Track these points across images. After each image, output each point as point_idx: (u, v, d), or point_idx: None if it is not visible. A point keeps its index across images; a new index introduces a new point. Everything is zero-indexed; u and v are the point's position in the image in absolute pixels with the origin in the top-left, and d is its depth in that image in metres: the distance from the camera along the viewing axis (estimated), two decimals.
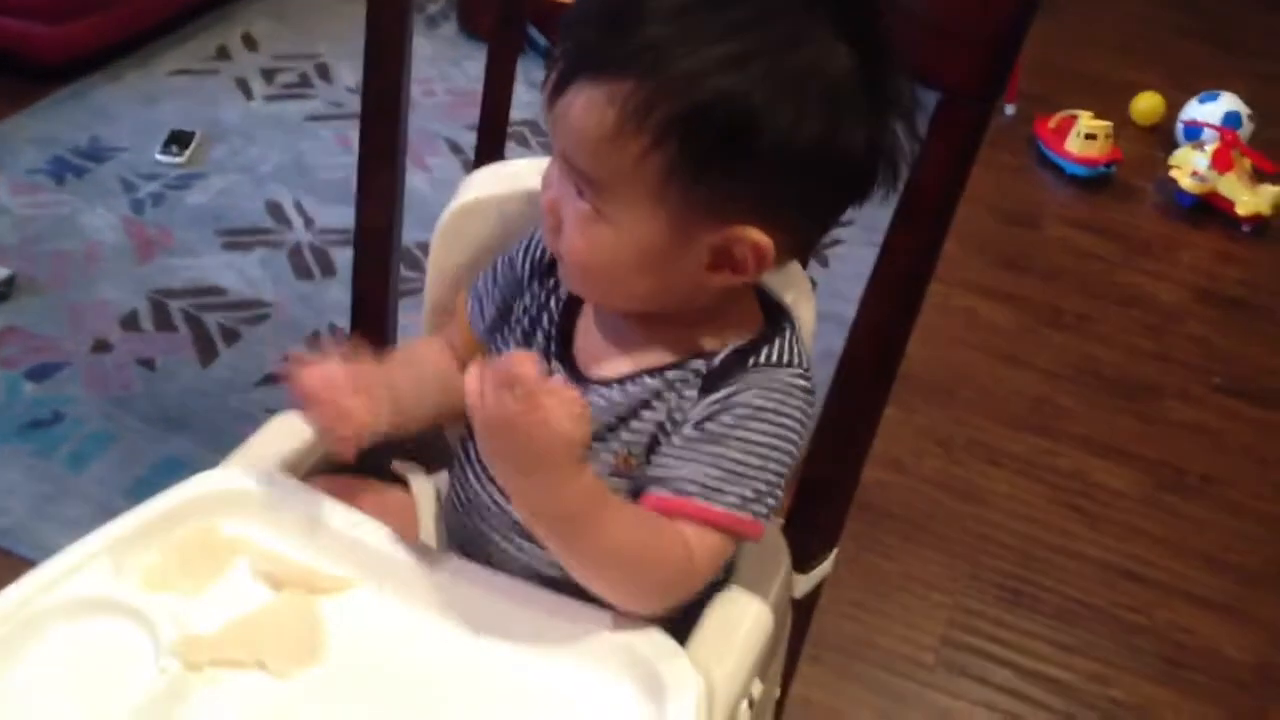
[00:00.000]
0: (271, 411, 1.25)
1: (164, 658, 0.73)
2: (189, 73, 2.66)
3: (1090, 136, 2.70)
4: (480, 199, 0.97)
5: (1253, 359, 2.30)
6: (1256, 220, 2.61)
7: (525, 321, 0.89)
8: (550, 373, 0.85)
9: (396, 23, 1.04)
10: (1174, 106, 2.93)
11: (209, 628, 0.76)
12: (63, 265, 2.05)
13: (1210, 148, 2.65)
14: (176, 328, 1.96)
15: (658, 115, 0.70)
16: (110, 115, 2.45)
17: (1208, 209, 2.65)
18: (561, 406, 0.69)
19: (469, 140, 2.51)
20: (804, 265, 0.93)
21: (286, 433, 0.92)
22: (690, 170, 0.72)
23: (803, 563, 0.99)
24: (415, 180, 2.22)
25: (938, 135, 0.87)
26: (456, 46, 2.90)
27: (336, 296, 2.04)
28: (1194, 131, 2.80)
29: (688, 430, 0.80)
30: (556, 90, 0.74)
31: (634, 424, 0.82)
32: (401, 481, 0.99)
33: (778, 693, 1.03)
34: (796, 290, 0.92)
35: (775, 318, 0.85)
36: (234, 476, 0.86)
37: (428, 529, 0.96)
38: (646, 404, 0.81)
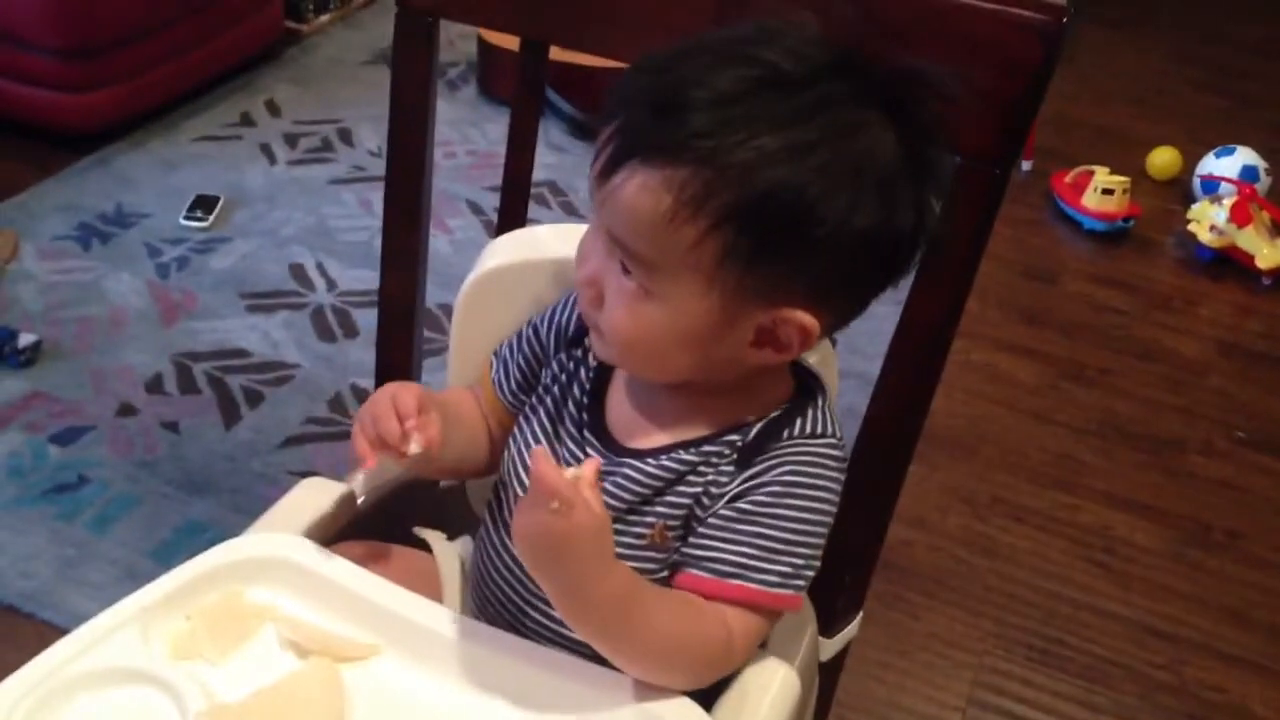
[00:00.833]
0: (294, 474, 1.26)
1: None
2: (213, 139, 2.70)
3: (1107, 191, 2.71)
4: (502, 266, 0.98)
5: (1276, 412, 2.28)
6: (1277, 273, 2.60)
7: (556, 390, 0.89)
8: (583, 443, 0.86)
9: (420, 90, 1.06)
10: (1190, 161, 2.93)
11: (235, 696, 0.76)
12: (88, 330, 2.07)
13: (1228, 202, 2.65)
14: (200, 390, 1.97)
15: (715, 203, 0.71)
16: (135, 182, 2.49)
17: (1227, 263, 2.65)
18: (588, 509, 0.70)
19: (489, 201, 2.55)
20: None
21: (312, 499, 0.93)
22: (745, 256, 0.73)
23: (829, 626, 0.99)
24: (437, 242, 2.23)
25: (958, 198, 0.88)
26: (477, 109, 2.94)
27: (359, 357, 2.06)
28: (1211, 186, 2.81)
29: (723, 509, 0.80)
30: (607, 170, 0.74)
31: (669, 497, 0.82)
32: (425, 547, 0.99)
33: None
34: (821, 352, 0.92)
35: (807, 385, 0.86)
36: (260, 543, 0.86)
37: (452, 595, 0.96)
38: (682, 478, 0.82)
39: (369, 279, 2.18)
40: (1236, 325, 2.54)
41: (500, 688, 0.79)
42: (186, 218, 2.37)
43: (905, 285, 0.91)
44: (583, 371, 0.88)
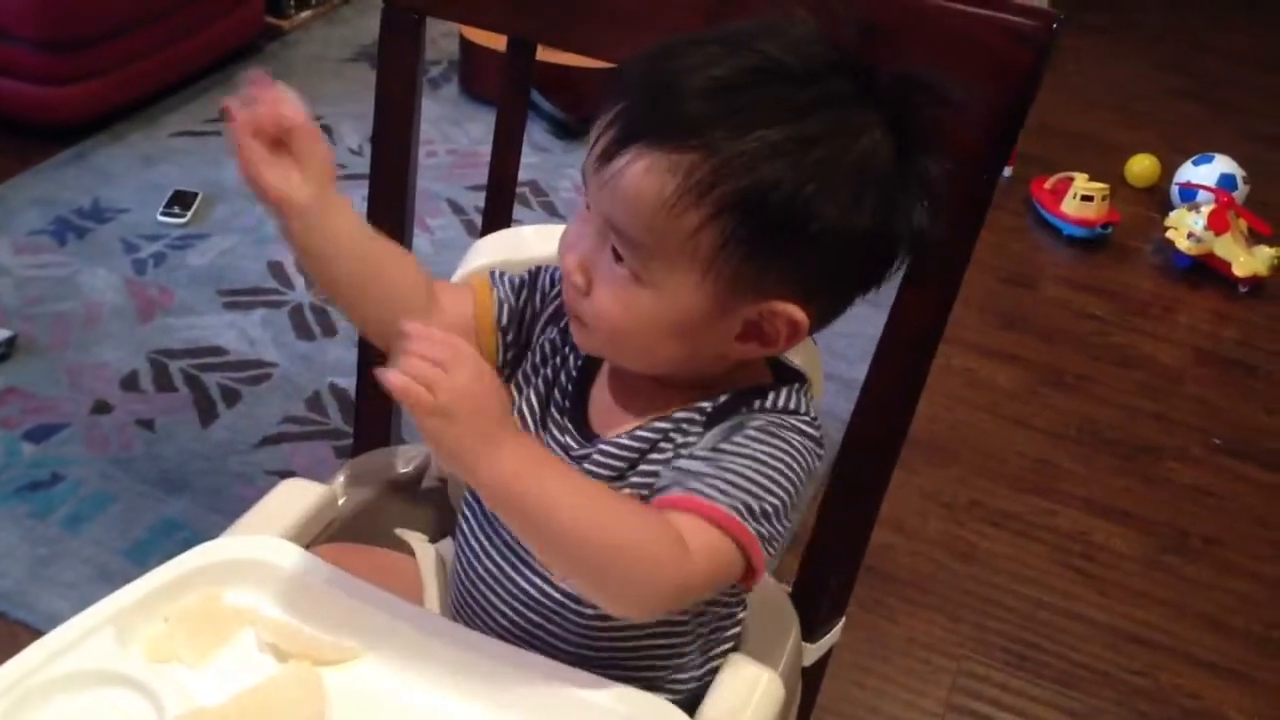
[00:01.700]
0: (271, 473, 1.25)
1: None
2: (191, 134, 2.67)
3: (1086, 198, 2.72)
4: (488, 266, 0.97)
5: (1252, 420, 2.29)
6: (1253, 281, 2.62)
7: (547, 372, 0.87)
8: (565, 430, 0.85)
9: (405, 87, 1.06)
10: (1169, 168, 2.95)
11: (214, 700, 0.75)
12: (63, 326, 2.05)
13: (1206, 209, 2.66)
14: (177, 388, 1.95)
15: (719, 191, 0.71)
16: (112, 176, 2.47)
17: (1204, 270, 2.66)
18: (467, 370, 0.68)
19: (470, 200, 2.54)
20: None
21: (291, 501, 0.92)
22: (742, 246, 0.73)
23: (811, 631, 0.98)
24: (418, 241, 2.20)
25: (945, 203, 0.88)
26: (458, 108, 2.92)
27: (338, 356, 2.04)
28: (1189, 193, 2.82)
29: (683, 460, 0.78)
30: (608, 154, 0.73)
31: (642, 467, 0.81)
32: (407, 549, 0.98)
33: None
34: (805, 355, 0.92)
35: (785, 377, 0.85)
36: (238, 545, 0.85)
37: (432, 596, 0.95)
38: (654, 446, 0.81)
39: None
40: (1213, 333, 2.55)
41: (481, 691, 0.79)
42: (164, 213, 2.35)
43: (890, 289, 0.91)
44: (573, 358, 0.87)
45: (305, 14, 3.22)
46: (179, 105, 2.75)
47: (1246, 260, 2.61)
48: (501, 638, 0.84)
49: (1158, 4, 4.19)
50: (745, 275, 0.74)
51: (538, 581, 0.83)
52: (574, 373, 0.87)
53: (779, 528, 0.77)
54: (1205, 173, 2.83)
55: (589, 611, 0.82)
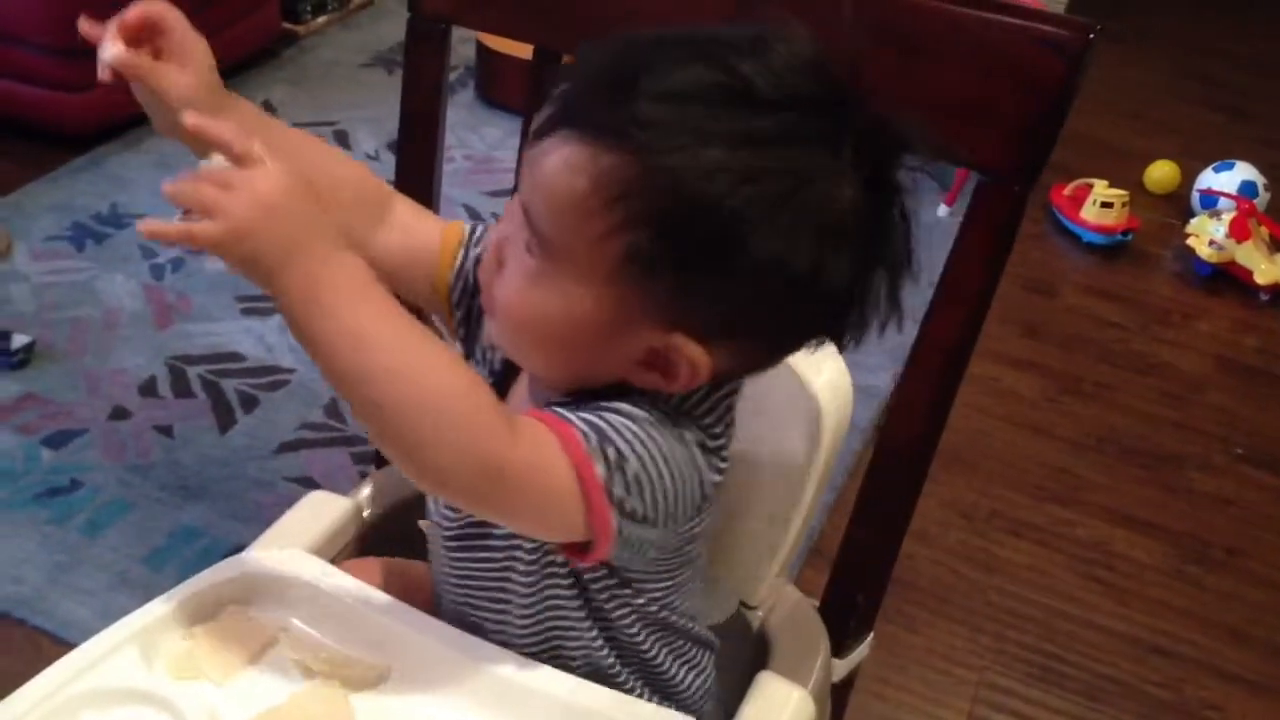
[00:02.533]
0: (289, 480, 1.22)
1: None
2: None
3: (1106, 205, 2.71)
4: None
5: (1274, 428, 2.28)
6: (1275, 289, 2.60)
7: (497, 358, 0.83)
8: None
9: (430, 96, 1.05)
10: (1189, 175, 2.94)
11: (240, 717, 0.74)
12: (81, 332, 2.05)
13: (1227, 217, 2.65)
14: (195, 394, 1.95)
15: (638, 200, 0.65)
16: (130, 182, 2.47)
17: (1225, 278, 2.65)
18: (266, 170, 0.65)
19: (487, 206, 2.53)
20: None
21: (317, 514, 0.91)
22: (650, 267, 0.67)
23: (840, 646, 0.97)
24: None
25: (977, 217, 0.87)
26: (475, 113, 2.92)
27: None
28: (1210, 200, 2.81)
29: None
30: (538, 134, 0.68)
31: None
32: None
33: None
34: (830, 374, 0.90)
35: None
36: (264, 560, 0.85)
37: None
38: None
39: None
40: (1235, 341, 2.54)
41: (509, 709, 0.78)
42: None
43: (921, 301, 0.90)
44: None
45: (321, 19, 3.22)
46: None
47: (1268, 268, 2.59)
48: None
49: (1177, 11, 4.17)
50: (650, 299, 0.68)
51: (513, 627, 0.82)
52: (497, 365, 0.83)
53: (637, 500, 0.69)
54: (1226, 180, 2.82)
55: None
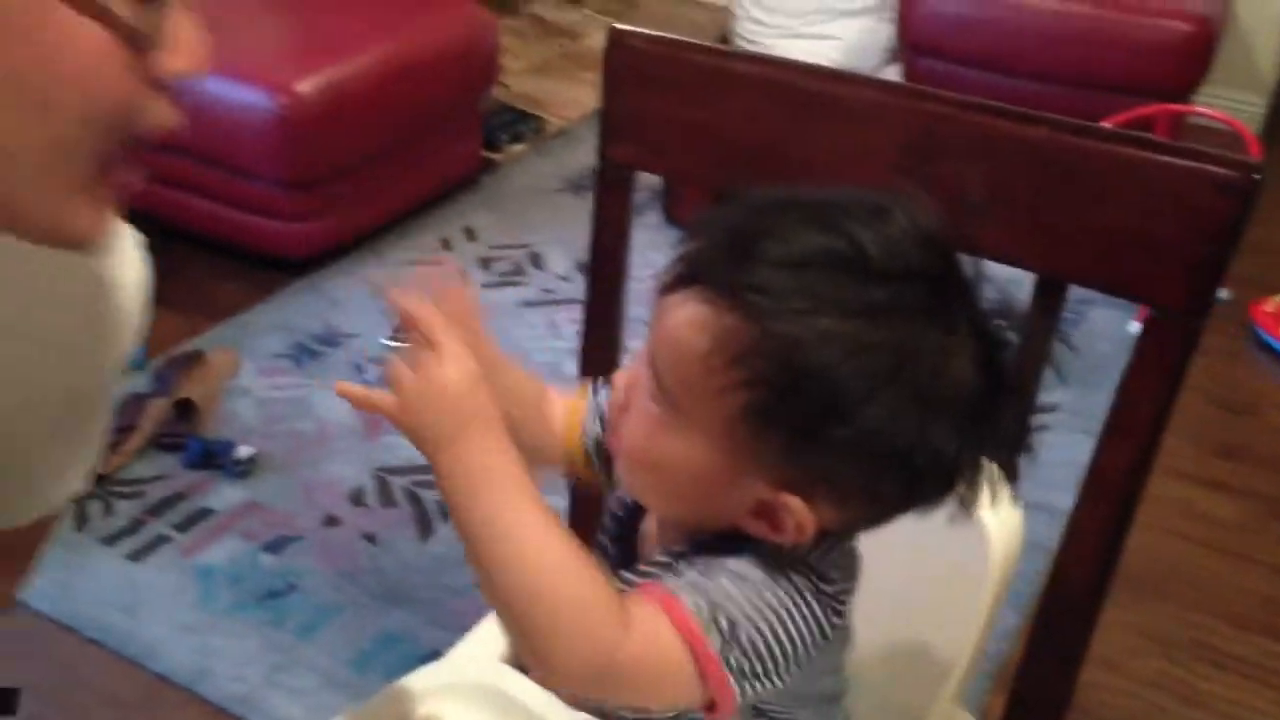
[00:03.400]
0: None
1: None
2: (414, 263, 2.85)
3: None
4: None
5: None
6: None
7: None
8: (611, 552, 0.85)
9: (618, 233, 1.13)
10: None
11: None
12: (298, 444, 2.21)
13: None
14: (397, 504, 2.07)
15: (754, 363, 0.68)
16: (343, 304, 2.65)
17: None
18: (453, 356, 0.72)
19: None
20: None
21: None
22: (764, 425, 0.69)
23: None
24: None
25: (1148, 349, 0.89)
26: (660, 233, 3.02)
27: (545, 475, 2.12)
28: None
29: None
30: (666, 289, 0.73)
31: None
32: None
33: None
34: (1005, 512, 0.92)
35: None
36: (458, 668, 0.91)
37: None
38: (670, 568, 0.77)
39: None
40: None
41: None
42: (389, 338, 2.50)
43: (1097, 422, 0.91)
44: None
45: (518, 147, 3.42)
46: (404, 236, 2.94)
47: None
48: None
49: None
50: (760, 456, 0.70)
51: None
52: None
53: (755, 662, 0.71)
54: None
55: None
